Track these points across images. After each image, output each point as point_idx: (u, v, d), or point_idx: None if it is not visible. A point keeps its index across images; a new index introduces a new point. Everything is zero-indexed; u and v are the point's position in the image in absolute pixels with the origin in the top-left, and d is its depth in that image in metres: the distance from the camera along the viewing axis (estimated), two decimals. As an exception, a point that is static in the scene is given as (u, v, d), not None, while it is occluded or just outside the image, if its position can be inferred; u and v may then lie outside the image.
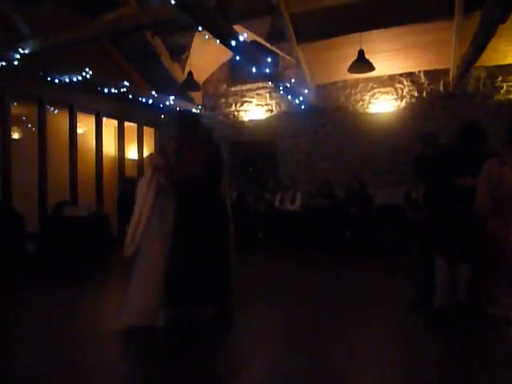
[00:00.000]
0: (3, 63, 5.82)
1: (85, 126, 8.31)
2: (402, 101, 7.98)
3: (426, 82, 7.81)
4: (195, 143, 3.44)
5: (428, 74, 7.77)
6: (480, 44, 5.25)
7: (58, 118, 7.55)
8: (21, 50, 5.90)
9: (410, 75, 7.91)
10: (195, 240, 3.30)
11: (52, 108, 7.37)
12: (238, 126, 9.26)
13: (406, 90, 7.96)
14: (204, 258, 3.28)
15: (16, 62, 5.90)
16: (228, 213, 3.47)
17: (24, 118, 7.67)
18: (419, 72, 7.84)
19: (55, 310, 4.12)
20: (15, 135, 7.08)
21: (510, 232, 2.81)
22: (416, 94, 7.88)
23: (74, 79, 6.68)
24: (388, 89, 8.07)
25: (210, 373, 2.70)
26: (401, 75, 7.96)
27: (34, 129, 7.11)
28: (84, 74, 6.67)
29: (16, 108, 6.84)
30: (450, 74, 7.30)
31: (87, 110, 7.84)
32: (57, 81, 6.66)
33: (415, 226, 4.59)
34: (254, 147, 9.11)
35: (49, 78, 6.58)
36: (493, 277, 3.05)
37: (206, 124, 9.35)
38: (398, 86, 8.00)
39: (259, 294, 4.59)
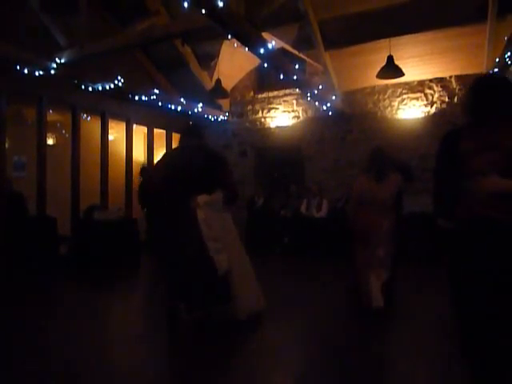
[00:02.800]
0: (41, 72, 6.06)
1: (116, 133, 8.54)
2: (432, 106, 7.82)
3: (458, 88, 7.63)
4: (168, 155, 4.01)
5: (459, 78, 7.59)
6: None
7: (90, 125, 7.80)
8: (57, 60, 6.14)
9: (440, 80, 7.75)
10: (166, 249, 3.63)
11: (85, 115, 7.62)
12: (265, 132, 9.30)
13: (436, 95, 7.80)
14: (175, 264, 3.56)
15: (52, 71, 6.15)
16: (190, 220, 3.47)
17: (58, 125, 7.97)
18: (450, 77, 7.68)
19: (86, 310, 4.23)
20: (50, 141, 7.35)
21: (380, 221, 3.94)
22: (447, 100, 7.71)
23: (107, 87, 6.90)
24: (417, 94, 7.93)
25: (241, 374, 2.71)
26: (431, 80, 7.81)
27: (68, 135, 7.36)
28: (116, 82, 6.88)
29: (51, 115, 7.11)
30: (483, 79, 7.11)
31: (118, 117, 8.06)
32: (90, 89, 6.90)
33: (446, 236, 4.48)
34: (281, 154, 9.12)
35: (83, 86, 6.81)
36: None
37: (232, 131, 9.53)
38: (428, 91, 7.86)
39: (286, 297, 4.58)
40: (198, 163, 3.54)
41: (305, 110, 8.92)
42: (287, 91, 8.97)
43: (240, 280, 3.56)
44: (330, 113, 8.24)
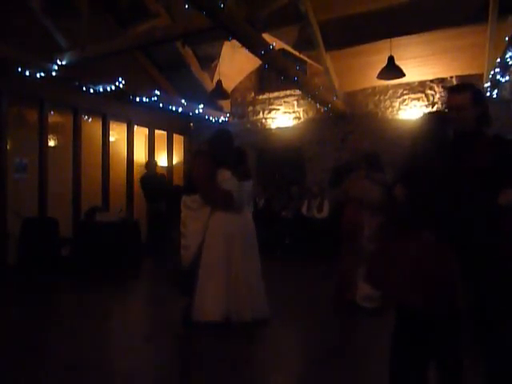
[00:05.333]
0: (42, 74, 6.07)
1: (117, 134, 8.54)
2: (433, 107, 7.81)
3: (459, 88, 7.61)
4: None
5: (460, 79, 7.58)
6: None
7: (91, 127, 7.80)
8: (58, 62, 6.16)
9: (441, 81, 7.74)
10: None
11: (86, 116, 7.63)
12: (266, 133, 9.29)
13: (437, 96, 7.79)
14: None
15: (54, 73, 6.16)
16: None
17: (60, 127, 7.96)
18: (451, 77, 7.67)
19: (87, 310, 4.24)
20: (51, 143, 7.35)
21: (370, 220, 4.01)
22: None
23: (108, 89, 6.91)
24: (418, 95, 7.92)
25: (242, 374, 2.71)
26: (432, 81, 7.80)
27: (69, 136, 7.35)
28: (117, 83, 6.89)
29: (53, 117, 7.12)
30: (484, 79, 7.11)
31: (119, 119, 8.07)
32: (91, 90, 6.90)
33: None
34: (282, 154, 9.12)
35: (84, 88, 6.82)
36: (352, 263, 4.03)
37: (233, 132, 9.52)
38: (429, 92, 7.85)
39: (287, 298, 4.57)
40: (188, 168, 3.81)
41: (305, 111, 8.91)
42: (288, 92, 8.97)
43: (206, 281, 3.49)
44: (331, 114, 8.24)
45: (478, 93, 2.15)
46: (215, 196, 3.65)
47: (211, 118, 9.18)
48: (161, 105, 7.98)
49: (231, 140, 3.86)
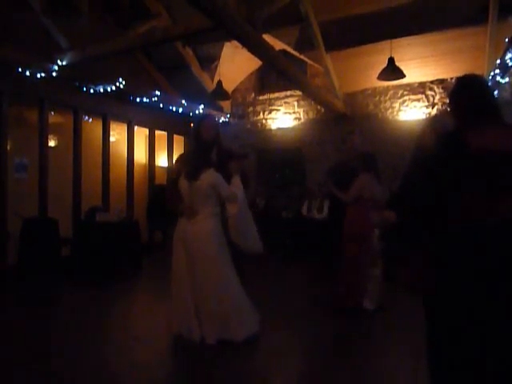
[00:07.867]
0: (42, 74, 6.08)
1: (117, 135, 8.55)
2: (433, 108, 7.82)
3: (459, 89, 7.61)
4: None
5: (460, 80, 7.58)
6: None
7: (92, 127, 7.81)
8: (59, 62, 6.17)
9: (441, 82, 7.75)
10: None
11: (87, 117, 7.63)
12: (266, 134, 9.30)
13: (437, 97, 7.80)
14: None
15: (54, 74, 6.17)
16: None
17: (60, 127, 7.97)
18: (451, 79, 7.66)
19: (87, 311, 4.24)
20: (51, 143, 7.36)
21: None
22: (447, 101, 7.70)
23: (108, 89, 6.92)
24: (419, 96, 7.92)
25: (241, 375, 2.70)
26: (432, 82, 7.80)
27: (70, 137, 7.36)
28: (117, 84, 6.90)
29: (53, 117, 7.13)
30: (484, 81, 7.11)
31: (120, 119, 8.07)
32: (92, 91, 6.91)
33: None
34: (282, 155, 9.12)
35: (84, 88, 6.84)
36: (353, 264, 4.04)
37: (233, 132, 9.55)
38: (429, 93, 7.85)
39: (286, 299, 4.57)
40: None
41: (306, 112, 8.92)
42: (288, 93, 8.98)
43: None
44: (331, 114, 8.24)
45: (455, 86, 1.87)
46: (166, 199, 3.36)
47: (211, 119, 9.17)
48: (161, 105, 8.00)
49: (198, 131, 3.35)
